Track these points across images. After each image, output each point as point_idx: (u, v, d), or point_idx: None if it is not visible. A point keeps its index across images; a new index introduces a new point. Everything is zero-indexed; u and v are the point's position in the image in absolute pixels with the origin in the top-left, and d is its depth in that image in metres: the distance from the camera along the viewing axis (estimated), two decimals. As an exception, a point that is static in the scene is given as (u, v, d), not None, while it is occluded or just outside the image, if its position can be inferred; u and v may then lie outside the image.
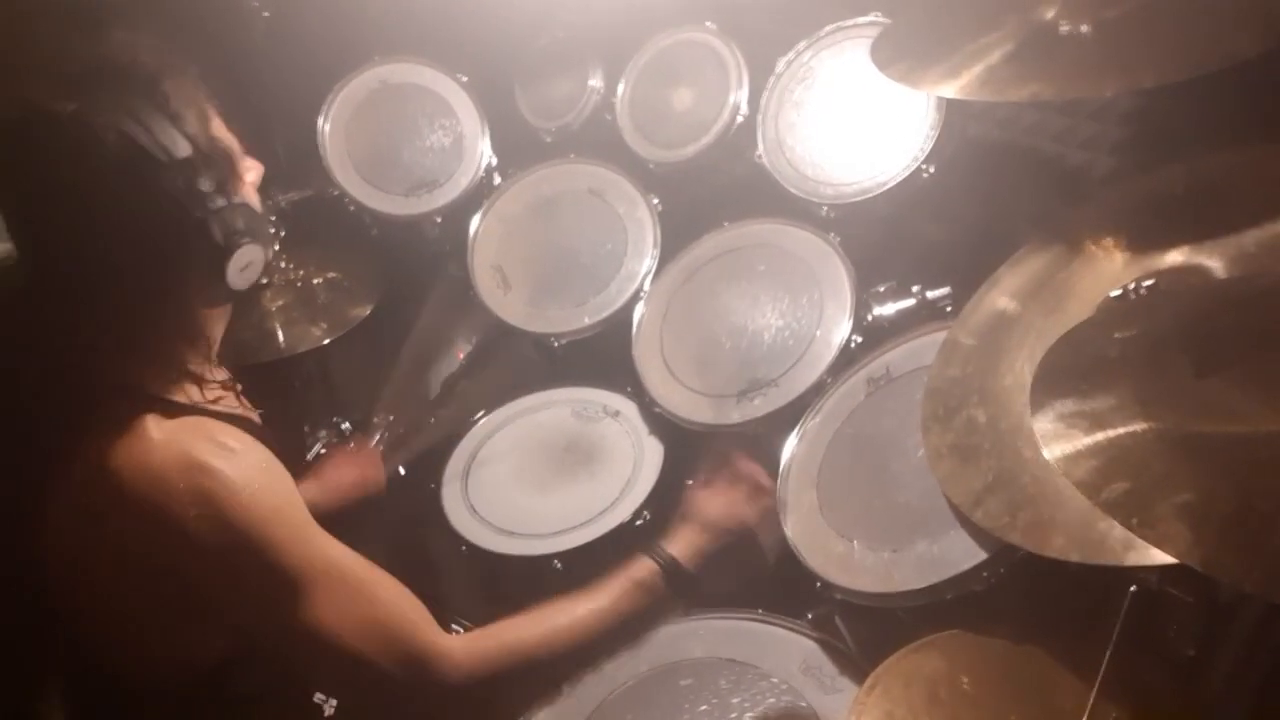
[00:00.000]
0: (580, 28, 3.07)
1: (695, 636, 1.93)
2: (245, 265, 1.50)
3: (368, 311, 2.90)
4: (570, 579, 2.19)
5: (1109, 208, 1.85)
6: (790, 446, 2.13)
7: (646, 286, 2.64)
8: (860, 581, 1.81)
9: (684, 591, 1.62)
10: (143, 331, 1.49)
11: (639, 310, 2.60)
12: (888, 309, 2.26)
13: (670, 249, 2.68)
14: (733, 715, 1.82)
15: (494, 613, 2.47)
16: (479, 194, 2.97)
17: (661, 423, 2.43)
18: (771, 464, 2.11)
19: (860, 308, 2.26)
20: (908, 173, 2.24)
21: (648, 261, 2.68)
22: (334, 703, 1.73)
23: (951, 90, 1.81)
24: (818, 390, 2.19)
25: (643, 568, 1.60)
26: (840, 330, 2.24)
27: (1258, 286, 1.50)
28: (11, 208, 1.43)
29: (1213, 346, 1.29)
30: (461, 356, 3.21)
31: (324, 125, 3.00)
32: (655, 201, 2.75)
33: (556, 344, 2.71)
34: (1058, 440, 1.25)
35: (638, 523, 2.25)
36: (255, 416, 1.66)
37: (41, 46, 1.41)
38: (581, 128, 3.02)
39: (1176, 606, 1.51)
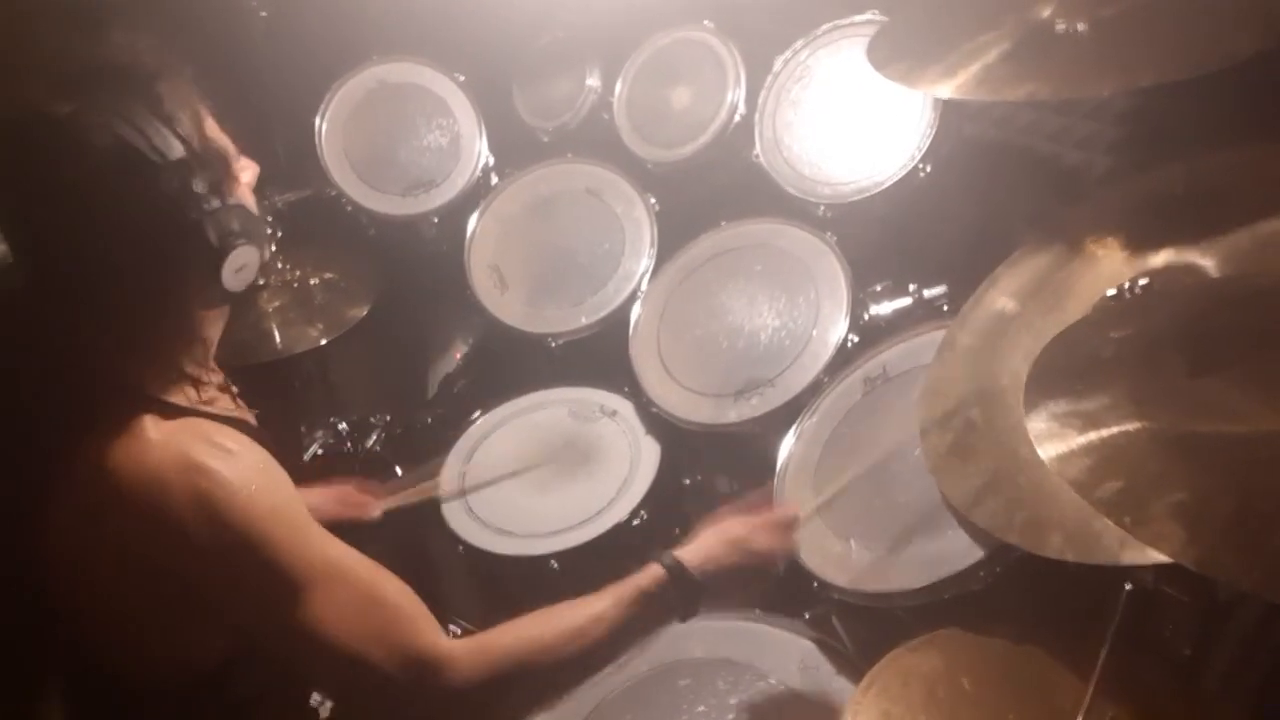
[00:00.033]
0: (579, 27, 3.07)
1: (693, 636, 1.93)
2: (240, 267, 1.50)
3: (365, 312, 2.90)
4: (567, 579, 2.20)
5: (1106, 207, 1.85)
6: (787, 446, 2.13)
7: (644, 286, 2.64)
8: (858, 581, 1.81)
9: (687, 599, 1.61)
10: (141, 332, 1.49)
11: (636, 310, 2.60)
12: (884, 308, 2.27)
13: (667, 249, 2.68)
14: (730, 715, 1.82)
15: (492, 612, 2.47)
16: (476, 194, 2.97)
17: (658, 422, 2.43)
18: (769, 463, 2.11)
19: (857, 307, 2.26)
20: (904, 172, 2.24)
21: (645, 261, 2.69)
22: (329, 704, 1.73)
23: (948, 90, 1.81)
24: (815, 390, 2.19)
25: (648, 574, 1.60)
26: (837, 329, 2.24)
27: (1253, 286, 1.50)
28: (6, 209, 1.43)
29: (1208, 346, 1.29)
30: (459, 357, 3.22)
31: (321, 125, 3.00)
32: (653, 201, 2.76)
33: (554, 344, 2.71)
34: (1051, 440, 1.25)
35: (635, 522, 2.25)
36: (251, 418, 1.66)
37: (37, 48, 1.40)
38: (579, 127, 3.02)
39: (1174, 606, 1.52)
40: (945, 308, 2.18)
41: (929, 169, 2.23)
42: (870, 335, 2.23)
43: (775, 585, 1.88)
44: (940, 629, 1.66)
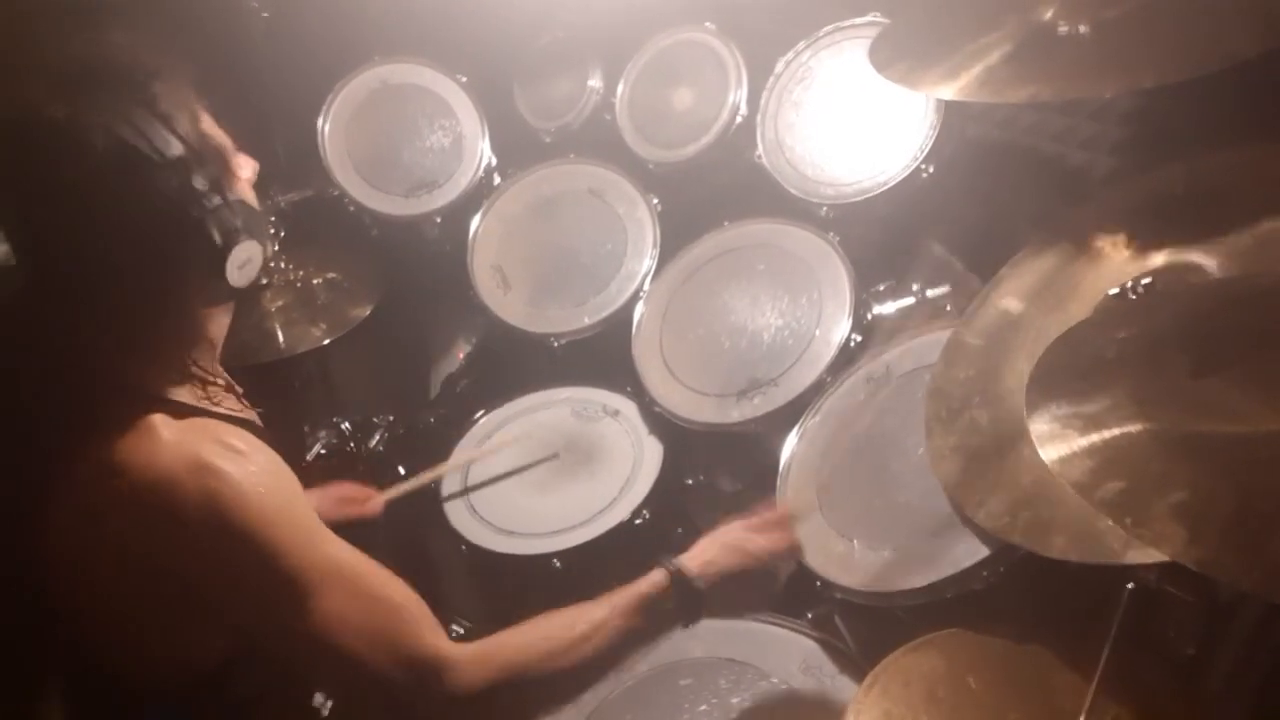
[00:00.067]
0: (580, 28, 3.07)
1: (695, 636, 1.92)
2: (244, 262, 1.50)
3: (367, 312, 2.90)
4: (570, 578, 2.20)
5: (1109, 208, 1.85)
6: (790, 445, 2.13)
7: (646, 286, 2.64)
8: (860, 580, 1.81)
9: (688, 606, 1.61)
10: (142, 332, 1.49)
11: (639, 310, 2.60)
12: (887, 308, 2.27)
13: (670, 249, 2.68)
14: (732, 715, 1.82)
15: (494, 612, 2.48)
16: (479, 194, 2.97)
17: (661, 422, 2.44)
18: (772, 463, 2.11)
19: (860, 307, 2.26)
20: (907, 173, 2.25)
21: (647, 261, 2.69)
22: (330, 703, 1.73)
23: (950, 91, 1.81)
24: (817, 389, 2.19)
25: (650, 580, 1.60)
26: (840, 329, 2.24)
27: (1256, 286, 1.49)
28: (7, 210, 1.43)
29: (1211, 346, 1.29)
30: (461, 357, 3.22)
31: (324, 125, 3.01)
32: (655, 201, 2.76)
33: (556, 344, 2.71)
34: (1053, 441, 1.25)
35: (637, 522, 2.25)
36: (256, 417, 1.66)
37: (35, 48, 1.40)
38: (581, 128, 3.03)
39: (1176, 605, 1.51)
40: (948, 308, 2.18)
41: (932, 169, 2.23)
42: (873, 336, 2.22)
43: (780, 586, 1.89)
44: (942, 629, 1.66)
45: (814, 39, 2.52)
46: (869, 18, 2.39)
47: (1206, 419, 1.20)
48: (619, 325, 2.62)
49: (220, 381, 1.59)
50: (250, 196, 1.55)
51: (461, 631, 2.45)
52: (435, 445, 2.63)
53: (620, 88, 2.91)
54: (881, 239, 2.43)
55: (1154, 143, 2.04)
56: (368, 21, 3.16)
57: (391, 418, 2.93)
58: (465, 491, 2.48)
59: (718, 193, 2.78)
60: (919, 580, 1.72)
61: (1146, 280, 1.63)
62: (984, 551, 1.67)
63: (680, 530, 2.32)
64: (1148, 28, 1.67)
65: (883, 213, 2.33)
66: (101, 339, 1.46)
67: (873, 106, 2.35)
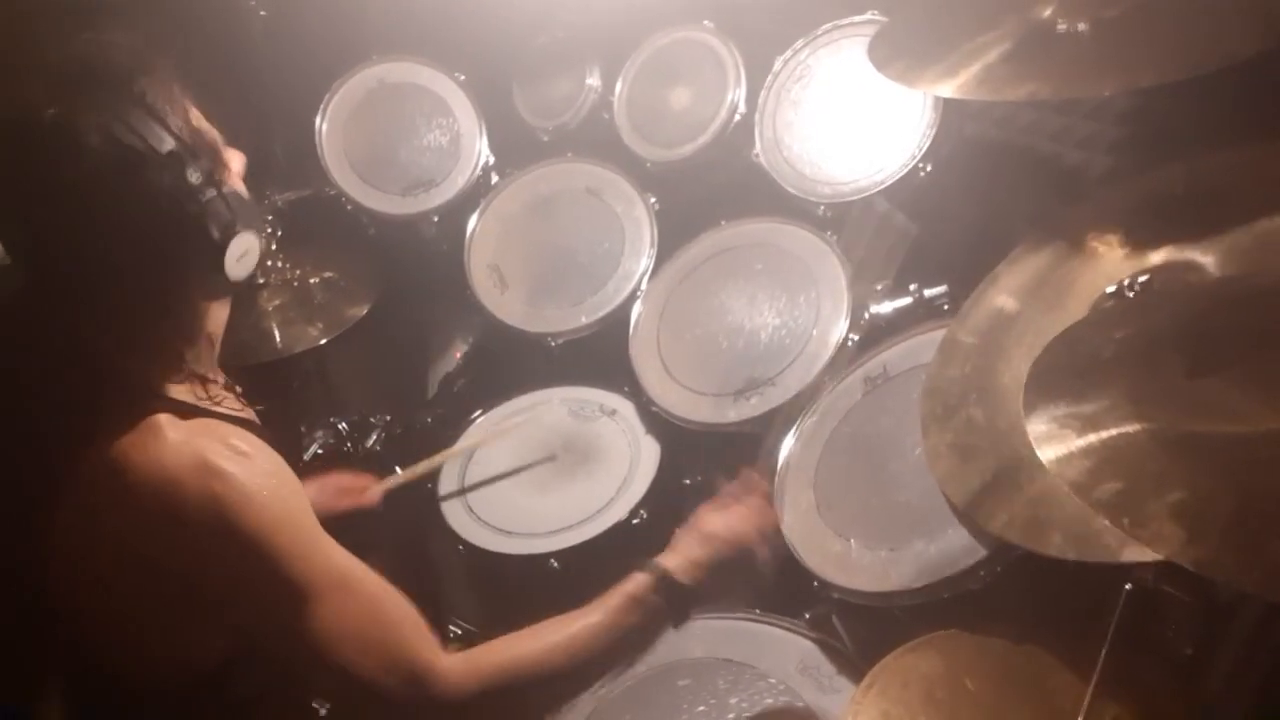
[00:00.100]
0: (578, 27, 3.07)
1: (693, 636, 1.93)
2: (242, 254, 1.50)
3: (365, 311, 2.90)
4: (567, 578, 2.20)
5: (1107, 206, 1.85)
6: (787, 445, 2.13)
7: (644, 285, 2.64)
8: (858, 581, 1.81)
9: (679, 604, 1.61)
10: (144, 330, 1.49)
11: (636, 309, 2.60)
12: (885, 308, 2.26)
13: (667, 248, 2.68)
14: (730, 715, 1.82)
15: (492, 612, 2.48)
16: (476, 193, 2.97)
17: (658, 422, 2.43)
18: (770, 464, 2.11)
19: (857, 306, 2.26)
20: (905, 171, 2.24)
21: (645, 260, 2.68)
22: (327, 706, 1.73)
23: (949, 89, 1.81)
24: (815, 389, 2.19)
25: (637, 582, 1.60)
26: (837, 329, 2.24)
27: (1253, 286, 1.49)
28: (6, 211, 1.43)
29: (1208, 346, 1.29)
30: (459, 356, 3.22)
31: (322, 124, 3.00)
32: (653, 200, 2.75)
33: (553, 343, 2.71)
34: (1051, 441, 1.25)
35: (634, 521, 2.25)
36: (254, 417, 1.66)
37: (30, 49, 1.40)
38: (579, 127, 3.02)
39: (1175, 605, 1.51)
40: (946, 307, 2.18)
41: (929, 168, 2.23)
42: (871, 334, 2.22)
43: (774, 584, 1.88)
44: (940, 629, 1.66)
45: (812, 37, 2.51)
46: (867, 16, 2.38)
47: (1204, 419, 1.20)
48: (616, 325, 2.62)
49: (220, 380, 1.59)
50: (241, 188, 1.55)
51: (459, 631, 2.45)
52: (432, 445, 2.62)
53: (618, 86, 2.90)
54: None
55: (1152, 142, 2.04)
56: (366, 21, 3.16)
57: (389, 417, 2.93)
58: (462, 492, 2.48)
59: (715, 192, 2.78)
60: (917, 580, 1.72)
61: (1143, 278, 1.63)
62: (982, 552, 1.66)
63: (678, 530, 2.32)
64: (1147, 27, 1.67)
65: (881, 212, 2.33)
66: (102, 339, 1.46)
67: (871, 105, 2.35)
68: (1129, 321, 1.49)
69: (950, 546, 1.71)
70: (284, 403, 2.90)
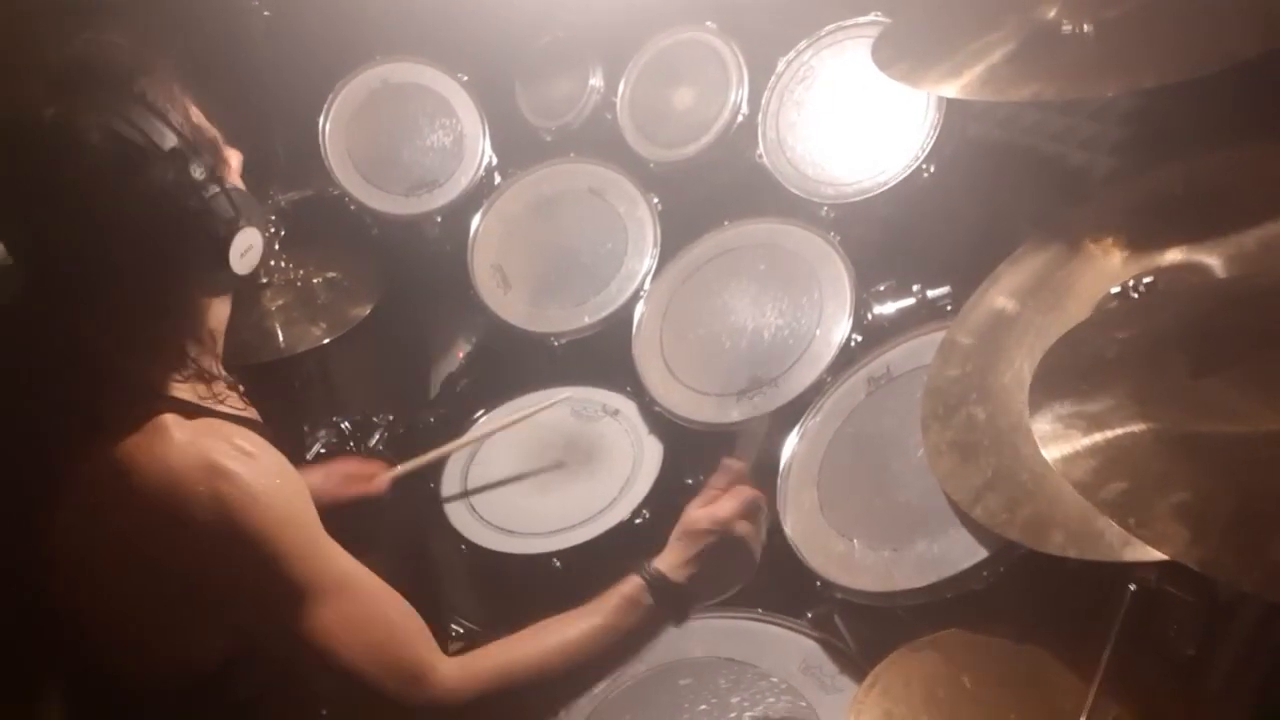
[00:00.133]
0: (580, 27, 3.07)
1: (694, 636, 1.93)
2: (246, 249, 1.50)
3: (368, 311, 2.89)
4: (570, 577, 2.20)
5: (1109, 207, 1.85)
6: (790, 445, 2.13)
7: (646, 286, 2.64)
8: (860, 580, 1.81)
9: (674, 603, 1.61)
10: (145, 329, 1.49)
11: (639, 309, 2.60)
12: (888, 308, 2.27)
13: (670, 248, 2.68)
14: (732, 715, 1.83)
15: (494, 611, 2.48)
16: (479, 193, 2.97)
17: (661, 422, 2.43)
18: (771, 464, 2.11)
19: (860, 307, 2.26)
20: (908, 172, 2.24)
21: (648, 261, 2.68)
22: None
23: (953, 90, 1.81)
24: (818, 389, 2.19)
25: (632, 584, 1.60)
26: (840, 329, 2.24)
27: (1257, 286, 1.49)
28: (6, 211, 1.43)
29: (1212, 346, 1.29)
30: (461, 356, 3.22)
31: (325, 124, 3.00)
32: (655, 201, 2.75)
33: (556, 343, 2.71)
34: (1056, 441, 1.25)
35: (637, 521, 2.25)
36: (257, 415, 1.66)
37: (30, 48, 1.40)
38: (582, 127, 3.02)
39: (1177, 605, 1.51)
40: (949, 307, 2.18)
41: (933, 169, 2.23)
42: (874, 335, 2.22)
43: (775, 584, 1.88)
44: (943, 629, 1.66)
45: (816, 38, 2.51)
46: (870, 17, 2.38)
47: (1208, 419, 1.20)
48: (619, 325, 2.62)
49: (223, 379, 1.59)
50: (240, 185, 1.55)
51: (461, 630, 2.45)
52: (435, 444, 2.63)
53: (621, 87, 2.90)
54: (882, 239, 2.43)
55: (1154, 143, 2.04)
56: (368, 21, 3.16)
57: (391, 417, 2.93)
58: (465, 494, 2.48)
59: (718, 192, 2.78)
60: (919, 580, 1.72)
61: (1148, 280, 1.63)
62: (984, 551, 1.67)
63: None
64: (1149, 27, 1.67)
65: (883, 212, 2.33)
66: (103, 338, 1.46)
67: (874, 106, 2.35)
68: (1133, 322, 1.49)
69: (953, 546, 1.71)
70: (287, 402, 2.90)
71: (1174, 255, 1.66)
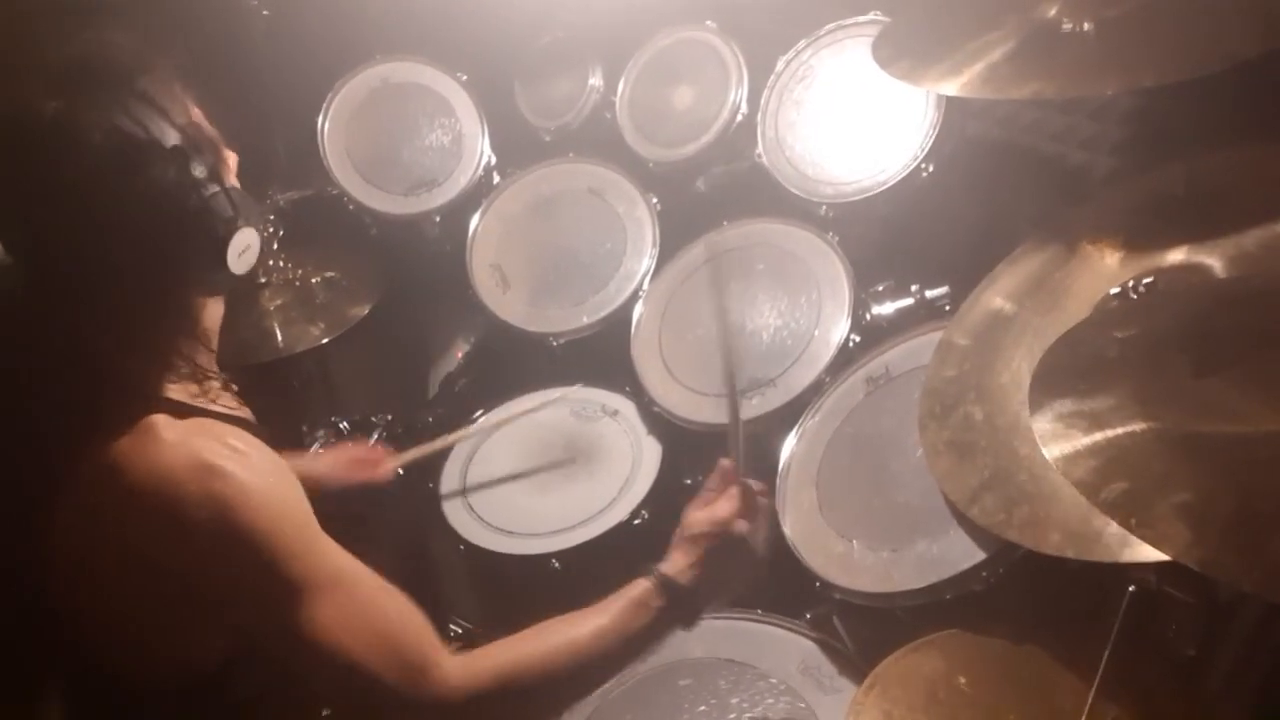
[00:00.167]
0: (580, 27, 3.07)
1: (694, 636, 1.92)
2: (243, 249, 1.50)
3: (366, 311, 2.90)
4: (569, 578, 2.20)
5: (1109, 207, 1.85)
6: (789, 446, 2.13)
7: (645, 286, 2.64)
8: (859, 581, 1.81)
9: (683, 606, 1.60)
10: (142, 330, 1.48)
11: (638, 309, 2.60)
12: (886, 308, 2.27)
13: (669, 248, 2.67)
14: (731, 715, 1.83)
15: (492, 612, 2.48)
16: (478, 193, 2.97)
17: (660, 422, 2.43)
18: (771, 464, 2.11)
19: (859, 307, 2.26)
20: (907, 171, 2.24)
21: (647, 261, 2.68)
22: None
23: (953, 88, 1.81)
24: (816, 390, 2.19)
25: (638, 585, 1.60)
26: (838, 329, 2.24)
27: (1257, 286, 1.50)
28: (6, 210, 1.43)
29: (1212, 346, 1.29)
30: (460, 356, 3.22)
31: (324, 124, 3.00)
32: (654, 201, 2.75)
33: (555, 343, 2.71)
34: (1057, 440, 1.25)
35: (636, 522, 2.25)
36: (250, 415, 1.66)
37: (30, 48, 1.40)
38: (581, 127, 3.02)
39: (1176, 606, 1.51)
40: (948, 308, 2.18)
41: (932, 169, 2.23)
42: (872, 335, 2.22)
43: (774, 585, 1.88)
44: (942, 629, 1.66)
45: (815, 38, 2.51)
46: (870, 16, 2.38)
47: (1208, 419, 1.20)
48: (618, 325, 2.62)
49: (217, 378, 1.59)
50: (238, 186, 1.55)
51: (460, 631, 2.45)
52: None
53: (620, 86, 2.90)
54: (881, 238, 2.43)
55: (1154, 143, 2.04)
56: (368, 20, 3.16)
57: (390, 417, 2.92)
58: (464, 495, 2.48)
59: (717, 192, 2.78)
60: (918, 581, 1.72)
61: (1148, 280, 1.63)
62: (983, 552, 1.67)
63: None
64: (1149, 27, 1.67)
65: (882, 212, 2.33)
66: (102, 338, 1.46)
67: (873, 105, 2.35)
68: (1132, 322, 1.49)
69: (952, 547, 1.71)
70: (285, 402, 2.90)
71: (1174, 256, 1.66)
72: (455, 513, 2.43)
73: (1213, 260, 1.61)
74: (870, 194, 2.30)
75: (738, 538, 1.63)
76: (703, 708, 1.85)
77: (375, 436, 2.78)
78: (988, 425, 1.70)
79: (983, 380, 1.77)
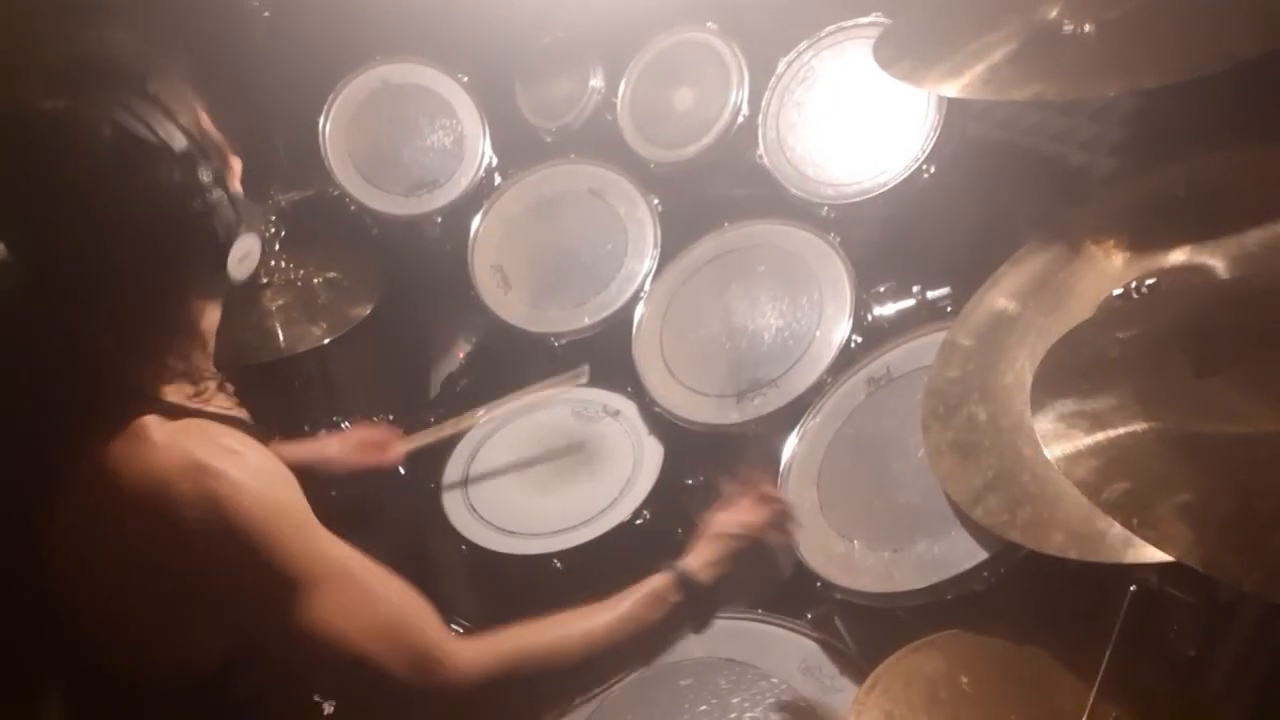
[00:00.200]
0: (581, 28, 3.07)
1: (695, 636, 1.92)
2: (244, 256, 1.50)
3: (368, 311, 2.89)
4: (570, 578, 2.20)
5: (1110, 208, 1.85)
6: (790, 446, 2.13)
7: (646, 286, 2.64)
8: (860, 581, 1.81)
9: (700, 604, 1.61)
10: (142, 330, 1.49)
11: (639, 310, 2.60)
12: (888, 309, 2.27)
13: (670, 249, 2.68)
14: (732, 715, 1.82)
15: (493, 612, 2.47)
16: (479, 194, 2.97)
17: (661, 422, 2.43)
18: (772, 464, 2.11)
19: (860, 308, 2.26)
20: (908, 173, 2.24)
21: (648, 261, 2.68)
22: (332, 703, 1.73)
23: (954, 89, 1.81)
24: (818, 390, 2.19)
25: (656, 579, 1.60)
26: (840, 330, 2.24)
27: (1258, 286, 1.50)
28: (4, 208, 1.43)
29: (1213, 346, 1.29)
30: (461, 356, 3.22)
31: (325, 125, 3.01)
32: (655, 202, 2.75)
33: (556, 344, 2.71)
34: (1058, 440, 1.25)
35: (637, 522, 2.25)
36: (246, 415, 1.66)
37: (30, 45, 1.40)
38: (582, 128, 3.03)
39: (1177, 606, 1.51)
40: (949, 308, 2.18)
41: (933, 170, 2.23)
42: (874, 336, 2.22)
43: (775, 585, 1.88)
44: (943, 629, 1.66)
45: (816, 39, 2.52)
46: (871, 18, 2.39)
47: (1210, 419, 1.20)
48: (619, 325, 2.62)
49: (211, 379, 1.59)
50: (241, 192, 1.55)
51: (460, 631, 2.44)
52: (434, 444, 2.63)
53: (621, 88, 2.91)
54: (882, 239, 2.43)
55: (1154, 143, 2.04)
56: (368, 21, 3.16)
57: (391, 417, 2.92)
58: (466, 495, 2.47)
59: (718, 193, 2.78)
60: (919, 581, 1.72)
61: (1150, 281, 1.63)
62: (984, 552, 1.67)
63: (680, 531, 2.32)
64: (1149, 28, 1.67)
65: (884, 213, 2.33)
66: (102, 338, 1.46)
67: (874, 107, 2.35)
68: (1134, 322, 1.49)
69: (953, 547, 1.71)
70: (287, 402, 2.90)
71: (1176, 256, 1.66)
72: (457, 513, 2.43)
73: (1214, 260, 1.61)
74: (871, 195, 2.30)
75: (767, 546, 1.64)
76: (704, 707, 1.85)
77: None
78: (991, 426, 1.70)
79: (986, 381, 1.77)
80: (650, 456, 2.41)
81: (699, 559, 1.63)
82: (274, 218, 2.86)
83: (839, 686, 1.83)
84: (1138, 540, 1.25)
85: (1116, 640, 1.41)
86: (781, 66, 2.56)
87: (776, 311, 2.38)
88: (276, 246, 2.86)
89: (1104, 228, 1.79)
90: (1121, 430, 1.21)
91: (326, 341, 2.81)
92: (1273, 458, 1.12)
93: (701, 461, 2.48)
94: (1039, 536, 1.50)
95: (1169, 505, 1.10)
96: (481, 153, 3.00)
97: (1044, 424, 1.28)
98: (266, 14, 3.03)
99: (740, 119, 2.66)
